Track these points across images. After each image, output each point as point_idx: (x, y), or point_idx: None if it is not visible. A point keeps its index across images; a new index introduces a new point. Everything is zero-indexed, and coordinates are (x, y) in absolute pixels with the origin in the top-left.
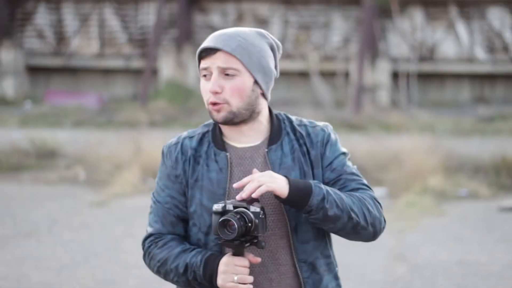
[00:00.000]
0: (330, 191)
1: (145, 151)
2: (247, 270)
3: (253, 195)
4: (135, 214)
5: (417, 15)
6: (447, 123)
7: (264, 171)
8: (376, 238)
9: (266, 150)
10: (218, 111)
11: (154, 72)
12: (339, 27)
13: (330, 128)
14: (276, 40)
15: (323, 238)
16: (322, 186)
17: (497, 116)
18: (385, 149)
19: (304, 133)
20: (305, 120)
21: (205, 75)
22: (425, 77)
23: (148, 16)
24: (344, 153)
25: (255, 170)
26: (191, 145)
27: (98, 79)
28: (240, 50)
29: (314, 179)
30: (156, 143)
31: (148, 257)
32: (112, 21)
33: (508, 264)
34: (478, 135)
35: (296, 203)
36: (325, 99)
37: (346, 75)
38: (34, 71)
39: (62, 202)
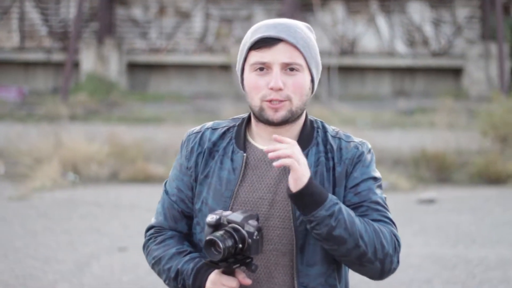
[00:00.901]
0: (343, 210)
1: (66, 145)
2: None
3: (275, 164)
4: (55, 208)
5: (338, 8)
6: (368, 116)
7: (281, 180)
8: (384, 277)
9: None
10: (277, 110)
11: (75, 65)
12: (261, 21)
13: (366, 146)
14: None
15: (331, 264)
16: (339, 202)
17: (416, 109)
18: None
19: (335, 146)
20: (342, 133)
21: (260, 69)
22: (346, 71)
23: (68, 9)
24: (375, 178)
25: (284, 138)
26: (212, 138)
27: (19, 72)
28: (303, 43)
29: None
30: (76, 136)
31: (146, 250)
32: (33, 14)
33: (427, 256)
34: (398, 128)
35: (303, 205)
36: None
37: None
38: None
39: None
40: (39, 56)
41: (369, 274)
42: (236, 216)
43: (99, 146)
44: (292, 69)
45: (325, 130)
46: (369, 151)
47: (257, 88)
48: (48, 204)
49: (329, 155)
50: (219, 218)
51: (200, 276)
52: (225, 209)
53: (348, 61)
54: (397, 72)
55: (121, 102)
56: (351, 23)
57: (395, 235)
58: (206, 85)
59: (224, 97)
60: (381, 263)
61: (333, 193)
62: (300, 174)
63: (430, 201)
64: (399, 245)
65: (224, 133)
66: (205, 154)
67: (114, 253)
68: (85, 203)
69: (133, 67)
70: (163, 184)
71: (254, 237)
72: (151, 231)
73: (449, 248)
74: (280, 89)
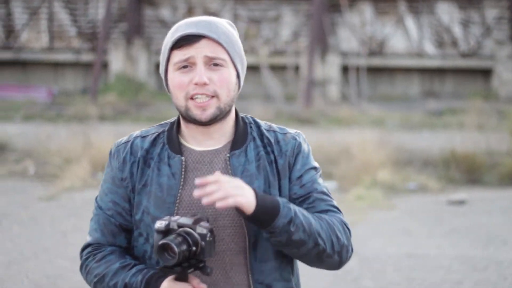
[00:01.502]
0: (298, 213)
1: (95, 145)
2: None
3: (217, 205)
4: (84, 208)
5: (367, 9)
6: (397, 117)
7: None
8: (341, 267)
9: (228, 155)
10: (204, 108)
11: (104, 65)
12: (289, 21)
13: (302, 137)
14: None
15: (284, 258)
16: (291, 206)
17: (446, 110)
18: (335, 143)
19: (272, 139)
20: (275, 126)
21: (184, 67)
22: (375, 71)
23: (97, 9)
24: (315, 168)
25: (217, 172)
26: (143, 146)
27: (48, 72)
28: (225, 38)
29: (280, 190)
30: (105, 137)
31: (85, 270)
32: (62, 14)
33: (456, 257)
34: (427, 129)
35: (260, 222)
36: (275, 93)
37: (296, 69)
38: None
39: (12, 196)
40: (68, 56)
41: (328, 267)
42: (187, 220)
43: None
44: (216, 64)
45: (257, 125)
46: (305, 140)
47: (181, 86)
48: (77, 204)
49: (268, 149)
50: (168, 224)
51: (152, 286)
52: (170, 215)
53: (377, 62)
54: (426, 73)
55: (150, 102)
56: (379, 24)
57: (345, 224)
58: None
59: (253, 98)
60: (339, 255)
61: (279, 186)
62: (247, 201)
63: (460, 202)
64: (350, 232)
65: (155, 140)
66: (139, 163)
67: None
68: None
69: None
70: (95, 199)
71: (207, 239)
72: (88, 249)
73: (480, 249)
74: (205, 84)
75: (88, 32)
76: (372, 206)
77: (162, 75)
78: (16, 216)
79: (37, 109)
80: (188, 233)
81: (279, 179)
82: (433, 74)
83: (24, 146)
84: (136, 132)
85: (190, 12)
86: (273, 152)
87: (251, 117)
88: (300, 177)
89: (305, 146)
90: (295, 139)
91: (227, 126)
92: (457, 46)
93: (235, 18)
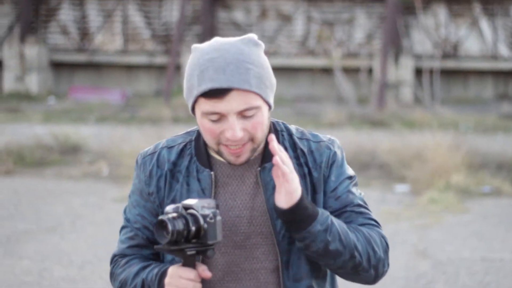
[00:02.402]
0: (334, 221)
1: None
2: (191, 284)
3: (274, 161)
4: None
5: (441, 12)
6: (471, 120)
7: (256, 195)
8: (377, 282)
9: (259, 168)
10: (238, 155)
11: (178, 68)
12: (363, 24)
13: (336, 144)
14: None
15: (318, 276)
16: (329, 215)
17: None
18: (408, 146)
19: (306, 149)
20: (307, 133)
21: (215, 120)
22: (448, 74)
23: (171, 12)
24: (350, 177)
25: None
26: (170, 158)
27: (122, 75)
28: (257, 82)
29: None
30: None
31: (112, 279)
32: (136, 17)
33: None
34: (501, 132)
35: (295, 222)
36: (348, 95)
37: (370, 71)
38: (58, 67)
39: (85, 197)
40: (142, 59)
41: (363, 281)
42: (192, 200)
43: None
44: (249, 113)
45: (289, 133)
46: (339, 147)
47: (212, 134)
48: None
49: (301, 160)
50: (177, 207)
51: (164, 276)
52: None
53: (450, 64)
54: (500, 75)
55: None
56: (453, 27)
57: (383, 237)
58: (308, 88)
59: (325, 100)
60: (375, 269)
61: (313, 201)
62: (295, 187)
63: None
64: (387, 246)
65: (182, 151)
66: (167, 176)
67: None
68: None
69: None
70: (123, 211)
71: (209, 219)
72: (114, 259)
73: None
74: (239, 139)
75: (162, 35)
76: (445, 209)
77: (190, 108)
78: (90, 217)
79: (110, 111)
80: (190, 214)
81: (314, 193)
82: (508, 76)
83: (98, 147)
84: (162, 142)
85: (263, 15)
86: (306, 164)
87: (283, 124)
88: (335, 189)
89: (339, 154)
90: (330, 148)
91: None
92: None
93: (308, 20)
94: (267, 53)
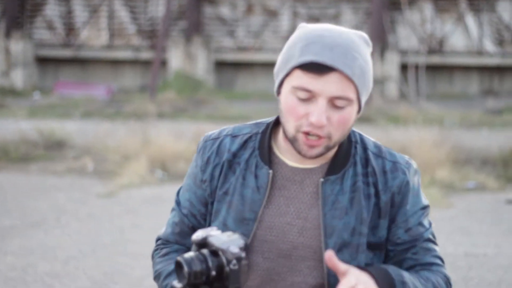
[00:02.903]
0: (410, 285)
1: (153, 142)
2: None
3: None
4: (142, 205)
5: (427, 7)
6: (456, 115)
7: (313, 205)
8: None
9: (322, 179)
10: (313, 147)
11: (163, 63)
12: (349, 19)
13: (413, 169)
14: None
15: None
16: (404, 279)
17: (505, 108)
18: (393, 141)
19: (379, 169)
20: (384, 150)
21: (305, 99)
22: (434, 70)
23: (157, 7)
24: (424, 207)
25: (343, 266)
26: (231, 148)
27: (107, 70)
28: (359, 73)
29: (374, 231)
30: (164, 134)
31: (152, 260)
32: (122, 12)
33: None
34: (486, 127)
35: None
36: None
37: None
38: (43, 62)
39: (70, 192)
40: (127, 54)
41: None
42: (218, 239)
43: (186, 144)
44: (338, 105)
45: (364, 146)
46: (416, 172)
47: (295, 114)
48: (136, 200)
49: (370, 179)
50: (205, 237)
51: None
52: (248, 233)
53: (436, 60)
54: (485, 71)
55: (208, 100)
56: (439, 22)
57: (448, 280)
58: None
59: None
60: None
61: (376, 225)
62: None
63: None
64: (451, 286)
65: (245, 142)
66: (224, 166)
67: None
68: (172, 200)
69: (221, 66)
70: (177, 192)
71: (231, 267)
72: (158, 242)
73: None
74: (322, 126)
75: (148, 30)
76: (430, 204)
77: (276, 80)
78: (75, 212)
79: (96, 106)
80: (214, 255)
81: (378, 218)
82: (493, 72)
83: (83, 143)
84: (228, 129)
85: (249, 10)
86: (375, 185)
87: (359, 134)
88: (407, 220)
89: (415, 182)
90: (405, 173)
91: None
92: None
93: (295, 16)
94: (252, 48)
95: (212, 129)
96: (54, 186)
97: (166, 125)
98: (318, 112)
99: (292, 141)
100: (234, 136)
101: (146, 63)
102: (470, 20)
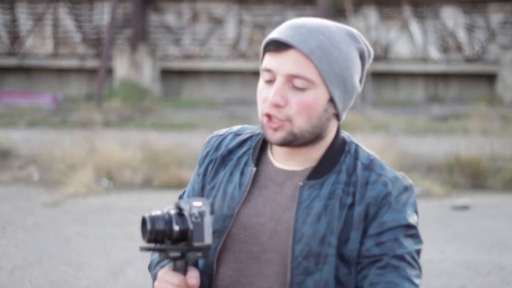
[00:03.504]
0: None
1: (99, 151)
2: None
3: None
4: (88, 214)
5: (371, 14)
6: (401, 122)
7: (288, 208)
8: None
9: (301, 183)
10: (275, 129)
11: (109, 71)
12: None
13: (401, 184)
14: (369, 47)
15: None
16: None
17: (450, 115)
18: None
19: (361, 180)
20: (376, 164)
21: (268, 80)
22: (379, 77)
23: (102, 15)
24: (408, 226)
25: None
26: (229, 144)
27: (53, 78)
28: (320, 53)
29: (346, 243)
30: (110, 143)
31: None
32: (66, 20)
33: (460, 262)
34: (431, 134)
35: None
36: None
37: None
38: None
39: (16, 202)
40: (73, 62)
41: None
42: (184, 200)
43: (132, 153)
44: (298, 83)
45: (356, 156)
46: (405, 189)
47: (261, 97)
48: (81, 210)
49: (351, 189)
50: (175, 204)
51: (156, 274)
52: (223, 230)
53: (381, 67)
54: (430, 78)
55: (155, 108)
56: (384, 29)
57: None
58: (239, 91)
59: (257, 103)
60: None
61: (347, 238)
62: None
63: (464, 208)
64: None
65: (244, 141)
66: (216, 162)
67: (148, 259)
68: (119, 209)
69: (167, 74)
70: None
71: (194, 219)
72: None
73: (483, 254)
74: (278, 106)
75: (93, 38)
76: None
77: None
78: (20, 222)
79: (41, 115)
80: (179, 214)
81: (350, 229)
82: (438, 79)
83: (29, 152)
84: (237, 127)
85: (194, 18)
86: (354, 195)
87: (356, 145)
88: (381, 233)
89: (402, 197)
90: (386, 186)
91: (315, 153)
92: (461, 51)
93: (240, 24)
94: (198, 56)
95: (158, 138)
96: (0, 196)
97: (112, 134)
98: (274, 91)
99: (261, 127)
100: (237, 134)
101: (92, 72)
102: (415, 27)
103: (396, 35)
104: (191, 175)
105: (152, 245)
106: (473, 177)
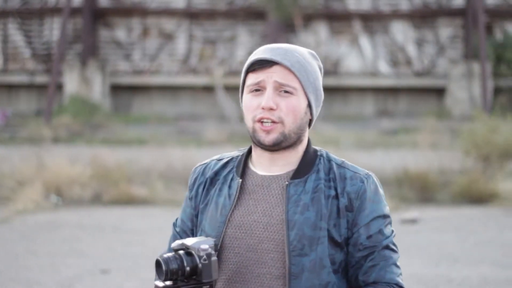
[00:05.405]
0: None
1: (48, 167)
2: None
3: None
4: (37, 231)
5: (321, 29)
6: (351, 136)
7: (277, 204)
8: None
9: (287, 183)
10: (268, 132)
11: (59, 87)
12: (245, 42)
13: (372, 180)
14: (321, 63)
15: None
16: None
17: (400, 129)
18: None
19: (339, 176)
20: (348, 164)
21: (256, 90)
22: (329, 91)
23: (52, 31)
24: (385, 216)
25: None
26: (214, 168)
27: (2, 94)
28: (299, 67)
29: (335, 227)
30: (59, 159)
31: None
32: (16, 36)
33: (409, 276)
34: (381, 148)
35: None
36: (230, 113)
37: None
38: None
39: None
40: (22, 78)
41: None
42: (191, 240)
43: (82, 168)
44: (286, 92)
45: (329, 158)
46: (375, 184)
47: (250, 108)
48: (30, 226)
49: (331, 184)
50: (182, 244)
51: None
52: (219, 234)
53: (331, 81)
54: (380, 92)
55: (105, 124)
56: (334, 44)
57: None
58: (190, 107)
59: (207, 119)
60: None
61: (336, 224)
62: None
63: (413, 221)
64: None
65: (227, 163)
66: (206, 183)
67: (97, 276)
68: (68, 225)
69: (117, 89)
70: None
71: (202, 261)
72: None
73: (432, 267)
74: (272, 109)
75: (43, 54)
76: None
77: (240, 97)
78: None
79: None
80: (188, 254)
81: (338, 217)
82: (387, 93)
83: None
84: (217, 155)
85: (145, 33)
86: (335, 188)
87: (326, 152)
88: (368, 225)
89: (372, 191)
90: (363, 182)
91: (294, 156)
92: (411, 65)
93: (191, 39)
94: (148, 71)
95: (108, 153)
96: None
97: (62, 150)
98: (266, 98)
99: (253, 134)
100: (219, 160)
101: (41, 87)
102: (365, 41)
103: (346, 50)
104: (140, 191)
105: (168, 282)
106: (421, 190)
